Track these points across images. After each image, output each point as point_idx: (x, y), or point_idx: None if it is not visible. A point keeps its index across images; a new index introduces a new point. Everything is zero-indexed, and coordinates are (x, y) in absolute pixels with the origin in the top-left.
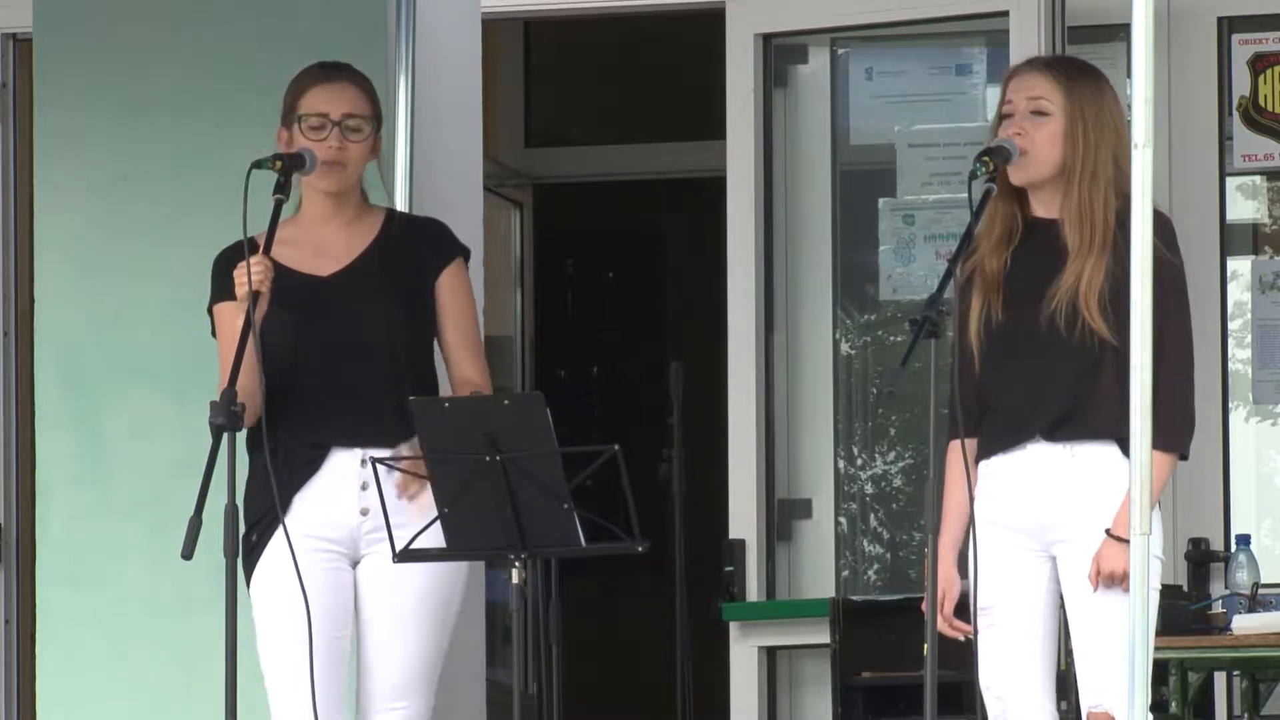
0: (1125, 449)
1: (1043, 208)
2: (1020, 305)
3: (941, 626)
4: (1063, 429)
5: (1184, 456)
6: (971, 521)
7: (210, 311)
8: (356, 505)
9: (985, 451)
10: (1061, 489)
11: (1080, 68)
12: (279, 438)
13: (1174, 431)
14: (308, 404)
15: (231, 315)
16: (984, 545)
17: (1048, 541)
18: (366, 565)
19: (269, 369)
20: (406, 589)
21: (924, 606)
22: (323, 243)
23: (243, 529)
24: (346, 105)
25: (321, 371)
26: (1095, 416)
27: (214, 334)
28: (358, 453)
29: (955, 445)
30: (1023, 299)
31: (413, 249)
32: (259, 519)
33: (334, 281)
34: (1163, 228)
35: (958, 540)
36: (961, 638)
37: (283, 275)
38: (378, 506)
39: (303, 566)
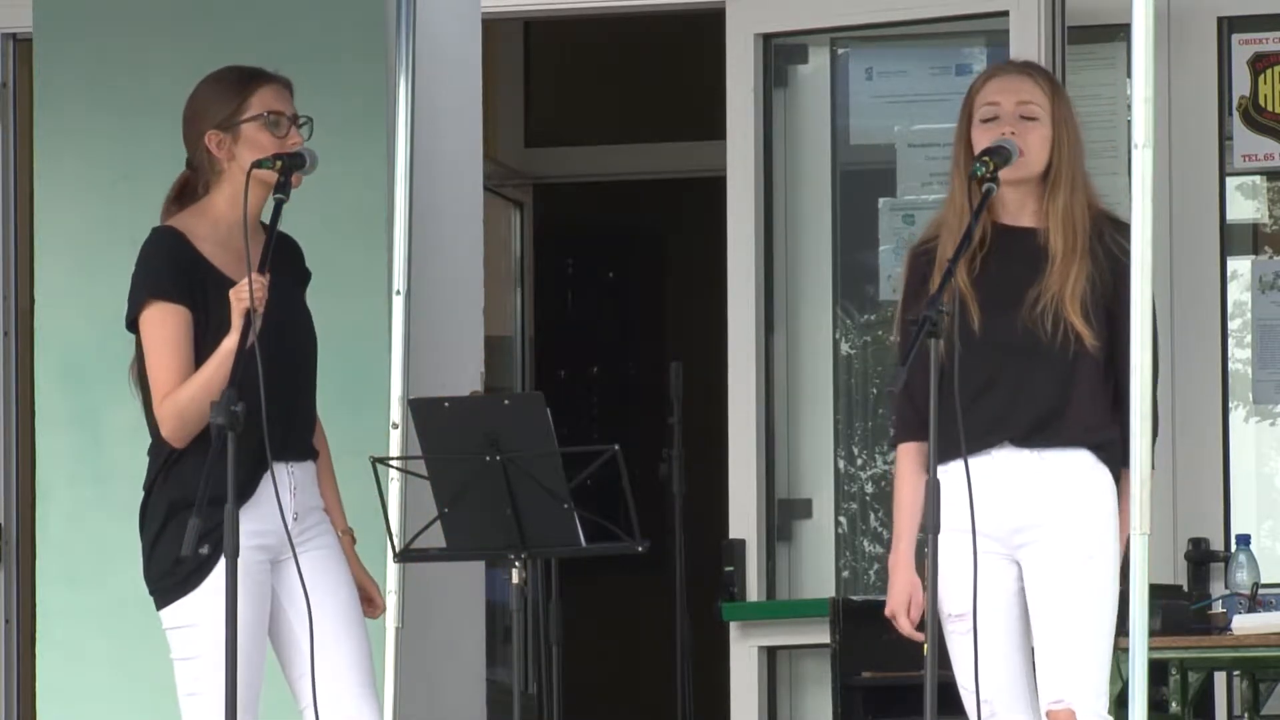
0: (1099, 455)
1: (1011, 215)
2: (996, 312)
3: (907, 631)
4: (1036, 436)
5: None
6: (930, 527)
7: (140, 304)
8: (291, 511)
9: (945, 456)
10: (1031, 493)
11: (1052, 76)
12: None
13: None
14: (256, 416)
15: (174, 318)
16: (949, 551)
17: (1014, 545)
18: (302, 563)
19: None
20: (344, 581)
21: (888, 611)
22: (241, 248)
23: (186, 548)
24: (291, 104)
25: (268, 384)
26: (1068, 424)
27: (133, 328)
28: (290, 464)
29: (907, 448)
30: (998, 305)
31: (297, 263)
32: (208, 532)
33: (269, 291)
34: (1127, 233)
35: (914, 543)
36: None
37: (221, 279)
38: (305, 509)
39: (243, 576)
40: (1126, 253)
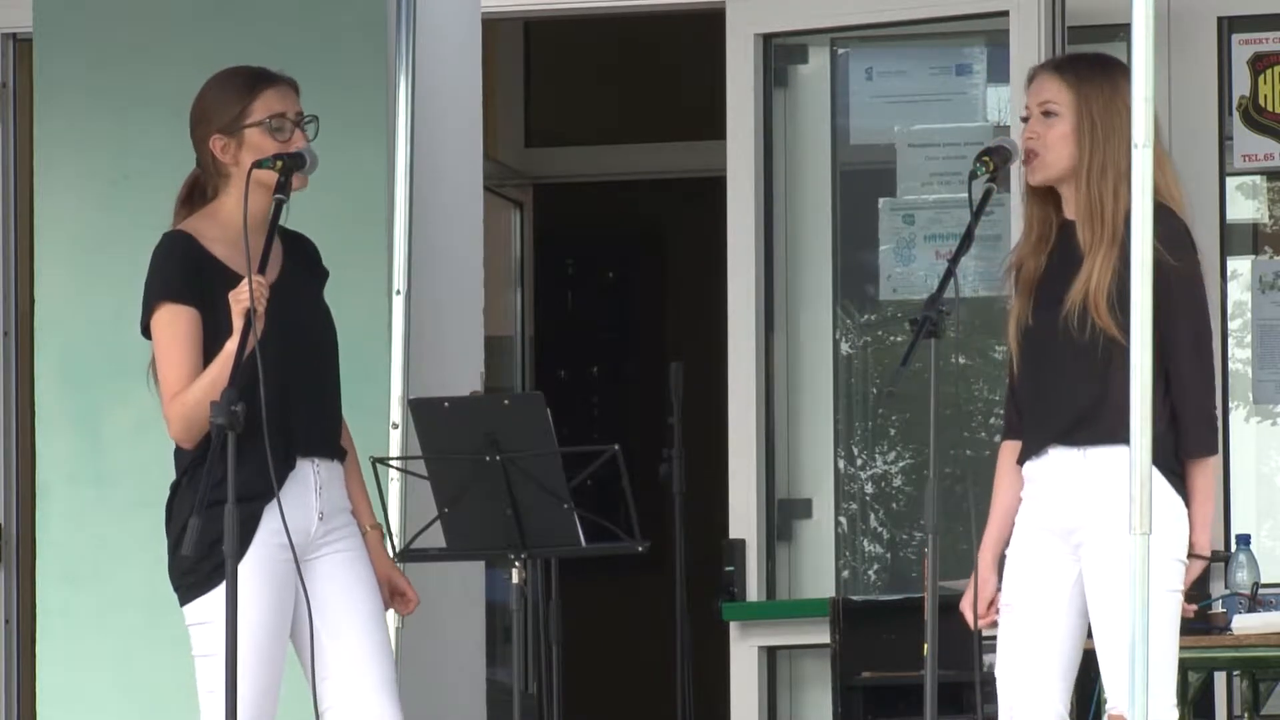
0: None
1: (1070, 209)
2: (1045, 310)
3: (972, 625)
4: (1076, 433)
5: (1216, 450)
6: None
7: (152, 307)
8: (316, 510)
9: (1021, 456)
10: (1077, 493)
11: (1094, 64)
12: (248, 449)
13: (1204, 435)
14: (276, 414)
15: (183, 320)
16: (1020, 545)
17: (1073, 544)
18: (326, 565)
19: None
20: (368, 584)
21: (964, 606)
22: (253, 248)
23: (186, 548)
24: (296, 103)
25: (289, 382)
26: (1106, 419)
27: (146, 332)
28: (315, 461)
29: (1004, 446)
30: (1047, 304)
31: (314, 262)
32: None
33: (278, 290)
34: (1169, 229)
35: (999, 540)
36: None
37: (233, 280)
38: (332, 509)
39: (267, 574)
40: (1162, 242)
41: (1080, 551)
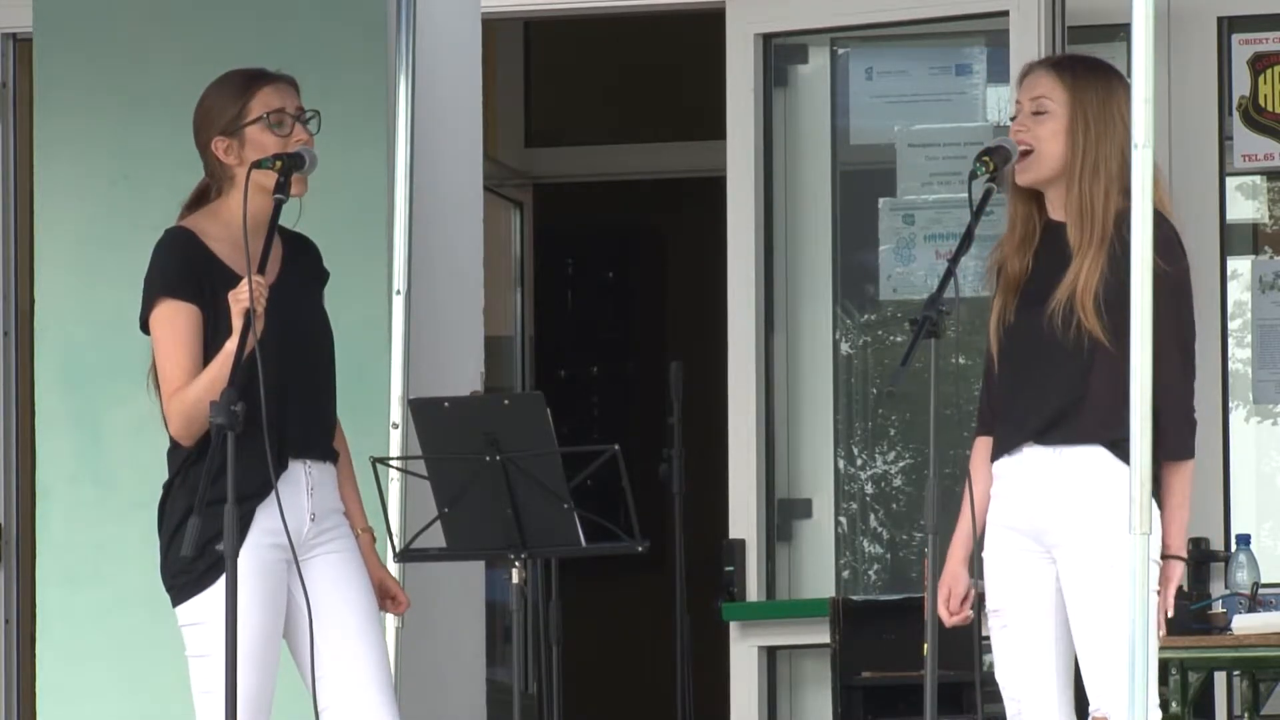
0: (1116, 451)
1: (1055, 210)
2: (1029, 309)
3: (947, 621)
4: (1051, 433)
5: (1193, 454)
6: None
7: (151, 303)
8: (308, 511)
9: (994, 454)
10: (1050, 493)
11: (1090, 66)
12: (240, 448)
13: (1185, 439)
14: (271, 414)
15: (183, 316)
16: (994, 547)
17: (1047, 545)
18: (319, 565)
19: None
20: (362, 585)
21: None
22: (253, 248)
23: (187, 548)
24: (295, 99)
25: (285, 382)
26: (1082, 420)
27: (145, 328)
28: (307, 463)
29: (978, 442)
30: (1032, 302)
31: (313, 263)
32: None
33: (277, 291)
34: (1161, 234)
35: (968, 537)
36: (957, 622)
37: (233, 279)
38: (324, 510)
39: (260, 574)
40: (1154, 247)
41: (1056, 553)
